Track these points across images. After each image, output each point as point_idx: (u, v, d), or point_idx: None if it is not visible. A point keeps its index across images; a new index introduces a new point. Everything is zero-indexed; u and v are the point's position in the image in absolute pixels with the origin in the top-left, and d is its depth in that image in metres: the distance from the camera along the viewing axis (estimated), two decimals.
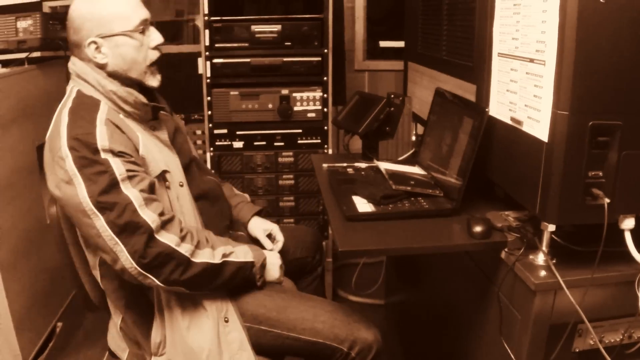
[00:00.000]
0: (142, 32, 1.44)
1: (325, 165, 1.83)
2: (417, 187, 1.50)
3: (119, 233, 1.28)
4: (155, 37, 1.47)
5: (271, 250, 1.71)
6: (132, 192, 1.30)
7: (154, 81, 1.50)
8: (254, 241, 1.74)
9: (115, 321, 1.58)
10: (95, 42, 1.39)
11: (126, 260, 1.29)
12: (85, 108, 1.38)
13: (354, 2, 2.81)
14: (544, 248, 1.24)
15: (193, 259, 1.35)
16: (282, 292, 1.54)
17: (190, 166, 1.60)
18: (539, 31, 1.16)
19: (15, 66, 2.27)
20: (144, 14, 1.45)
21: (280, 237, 1.77)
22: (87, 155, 1.29)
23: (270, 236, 1.79)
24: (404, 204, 1.45)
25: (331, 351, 1.45)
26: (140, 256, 1.29)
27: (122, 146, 1.33)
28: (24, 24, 2.26)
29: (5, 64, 2.29)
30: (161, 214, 1.33)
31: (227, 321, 1.42)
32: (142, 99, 1.44)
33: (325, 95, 2.33)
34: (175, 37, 3.06)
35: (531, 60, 1.20)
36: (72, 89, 1.46)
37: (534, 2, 1.18)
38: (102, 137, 1.31)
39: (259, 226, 1.79)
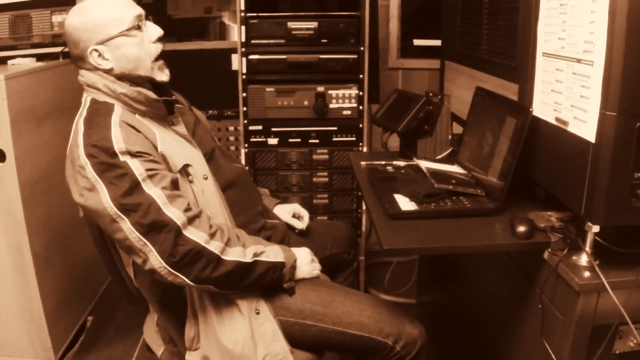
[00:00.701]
0: (139, 28, 1.46)
1: (363, 163, 1.88)
2: (458, 186, 1.53)
3: (145, 233, 1.30)
4: (153, 30, 1.49)
5: (301, 229, 1.79)
6: (154, 191, 1.32)
7: (163, 76, 1.52)
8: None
9: (153, 317, 1.63)
10: (96, 50, 1.42)
11: (155, 260, 1.31)
12: (99, 114, 1.41)
13: (389, 0, 2.85)
14: (587, 249, 1.27)
15: (223, 257, 1.37)
16: (327, 287, 1.58)
17: (213, 156, 1.61)
18: (586, 31, 1.19)
19: (50, 60, 2.36)
20: (136, 10, 1.47)
21: (304, 213, 1.83)
22: (105, 160, 1.31)
23: (295, 216, 1.84)
24: (446, 202, 1.48)
25: (376, 345, 1.48)
26: (169, 254, 1.31)
27: (139, 146, 1.36)
28: (59, 17, 2.35)
29: (40, 57, 2.38)
30: (187, 210, 1.35)
31: (258, 313, 1.45)
32: (152, 95, 1.46)
33: (360, 93, 2.36)
34: (201, 33, 3.13)
35: (578, 61, 1.23)
36: (86, 98, 1.49)
37: (581, 3, 1.20)
38: (118, 140, 1.33)
39: (283, 210, 1.84)
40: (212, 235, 1.37)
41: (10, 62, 2.34)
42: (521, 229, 1.34)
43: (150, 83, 1.51)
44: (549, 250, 1.32)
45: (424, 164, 1.71)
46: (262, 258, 1.44)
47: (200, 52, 2.86)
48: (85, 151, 1.34)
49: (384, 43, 2.88)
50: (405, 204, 1.48)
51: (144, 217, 1.30)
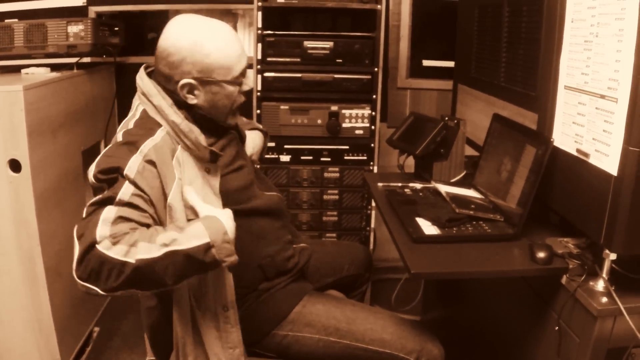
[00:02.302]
0: (239, 84, 1.48)
1: (380, 184, 1.96)
2: (479, 212, 1.63)
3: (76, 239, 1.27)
4: (248, 83, 1.51)
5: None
6: (111, 212, 1.28)
7: (232, 120, 1.56)
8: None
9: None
10: (190, 85, 1.43)
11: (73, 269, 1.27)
12: (139, 133, 1.40)
13: (400, 21, 2.95)
14: (604, 275, 1.36)
15: (127, 259, 1.24)
16: (350, 304, 1.66)
17: (251, 188, 1.62)
18: (612, 69, 1.29)
19: (65, 71, 2.43)
20: (244, 62, 1.48)
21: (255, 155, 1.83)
22: (106, 178, 1.33)
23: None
24: (467, 227, 1.57)
25: None
26: (77, 263, 1.26)
27: (146, 185, 1.33)
28: (74, 28, 2.41)
29: (54, 67, 2.45)
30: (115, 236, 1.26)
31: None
32: (202, 141, 1.43)
33: (373, 113, 2.46)
34: None
35: (602, 97, 1.33)
36: (138, 106, 1.48)
37: (607, 41, 1.31)
38: (132, 169, 1.32)
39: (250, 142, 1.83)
40: (115, 242, 1.25)
41: (24, 70, 2.40)
42: (541, 255, 1.43)
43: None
44: (567, 275, 1.41)
45: (443, 188, 1.80)
46: (174, 247, 1.27)
47: None
48: (95, 169, 1.35)
49: (394, 63, 2.98)
50: (428, 228, 1.56)
51: (84, 225, 1.28)
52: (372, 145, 2.49)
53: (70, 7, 2.76)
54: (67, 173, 2.35)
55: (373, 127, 2.48)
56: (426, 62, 3.07)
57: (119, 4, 2.83)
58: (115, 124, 3.03)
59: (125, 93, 3.03)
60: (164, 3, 2.86)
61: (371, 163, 2.51)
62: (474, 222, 1.60)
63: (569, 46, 1.49)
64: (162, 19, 3.05)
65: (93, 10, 2.80)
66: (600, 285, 1.35)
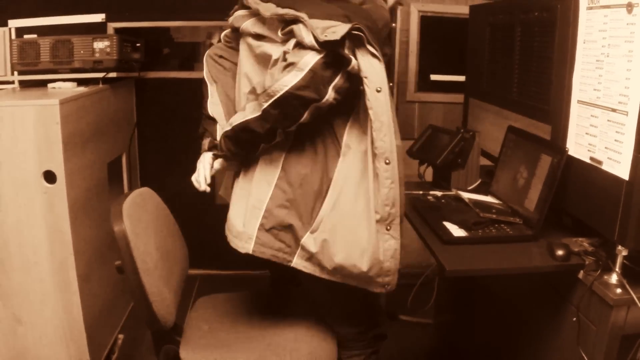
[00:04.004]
0: None
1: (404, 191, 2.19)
2: (500, 215, 1.86)
3: None
4: None
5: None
6: None
7: None
8: None
9: None
10: None
11: None
12: None
13: (408, 37, 3.20)
14: (617, 269, 1.60)
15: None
16: None
17: None
18: (622, 86, 1.53)
19: (91, 85, 2.62)
20: None
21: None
22: None
23: None
24: (490, 230, 1.80)
25: None
26: None
27: None
28: (100, 44, 2.61)
29: (80, 82, 2.64)
30: None
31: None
32: None
33: None
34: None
35: (613, 110, 1.57)
36: None
37: (617, 61, 1.55)
38: None
39: None
40: None
41: (50, 85, 2.60)
42: (559, 252, 1.66)
43: None
44: (584, 271, 1.64)
45: (464, 195, 2.04)
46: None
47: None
48: None
49: (403, 77, 3.22)
50: (456, 230, 1.79)
51: None
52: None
53: (89, 24, 2.96)
54: (94, 185, 2.54)
55: None
56: (434, 77, 3.33)
57: (136, 20, 3.04)
58: (136, 138, 3.25)
59: (144, 107, 3.26)
60: (180, 20, 3.07)
61: None
62: (497, 225, 1.83)
63: (581, 64, 1.73)
64: (177, 34, 3.26)
65: (112, 26, 3.01)
66: (614, 278, 1.58)
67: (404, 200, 1.67)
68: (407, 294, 3.08)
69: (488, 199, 2.06)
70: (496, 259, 1.69)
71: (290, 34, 1.59)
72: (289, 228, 1.67)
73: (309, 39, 1.53)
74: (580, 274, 1.65)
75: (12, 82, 2.94)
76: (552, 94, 1.89)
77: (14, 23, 2.97)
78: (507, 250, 1.73)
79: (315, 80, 1.53)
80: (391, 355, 2.77)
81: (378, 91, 1.54)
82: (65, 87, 2.56)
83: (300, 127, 1.64)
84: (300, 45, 1.56)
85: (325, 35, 1.50)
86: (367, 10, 1.63)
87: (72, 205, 2.31)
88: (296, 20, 1.57)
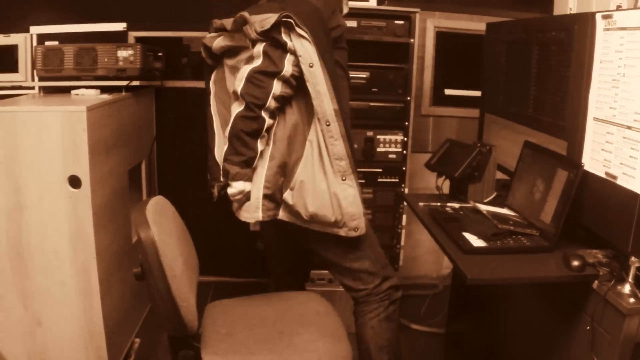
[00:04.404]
0: None
1: (421, 203, 2.34)
2: (517, 227, 1.99)
3: None
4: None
5: None
6: None
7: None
8: None
9: None
10: None
11: None
12: None
13: (424, 52, 3.36)
14: (630, 279, 1.73)
15: None
16: None
17: None
18: (638, 105, 1.67)
19: (113, 93, 2.76)
20: None
21: None
22: None
23: None
24: (508, 241, 1.94)
25: None
26: None
27: None
28: (124, 53, 2.75)
29: (103, 90, 2.78)
30: None
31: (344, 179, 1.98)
32: None
33: (405, 139, 2.85)
34: None
35: (629, 127, 1.71)
36: None
37: (633, 80, 1.69)
38: None
39: None
40: None
41: (73, 92, 2.74)
42: (575, 263, 1.79)
43: None
44: (598, 281, 1.77)
45: (482, 207, 2.17)
46: None
47: None
48: None
49: (418, 91, 3.38)
50: (475, 241, 1.92)
51: None
52: (404, 168, 2.87)
53: (110, 32, 3.11)
54: (116, 191, 2.67)
55: (405, 151, 2.86)
56: (448, 91, 3.48)
57: (157, 30, 3.19)
58: (154, 146, 3.40)
59: (163, 115, 3.40)
60: (199, 30, 3.21)
61: (402, 185, 2.89)
62: (514, 236, 1.97)
63: (597, 83, 1.88)
64: (194, 44, 3.41)
65: (132, 35, 3.15)
66: (627, 288, 1.72)
67: (349, 153, 2.00)
68: (420, 304, 3.23)
69: (505, 211, 2.19)
70: (514, 268, 1.82)
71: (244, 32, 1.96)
72: (279, 190, 2.04)
73: (253, 34, 1.89)
74: (595, 284, 1.78)
75: (32, 88, 3.09)
76: (569, 111, 2.03)
77: (35, 30, 3.12)
78: (524, 261, 1.87)
79: (270, 58, 1.89)
80: None
81: (311, 66, 1.89)
82: (89, 94, 2.69)
83: (284, 102, 2.00)
84: (253, 43, 1.94)
85: (262, 27, 1.86)
86: (309, 2, 1.98)
87: (96, 211, 2.43)
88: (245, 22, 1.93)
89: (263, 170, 2.02)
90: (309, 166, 2.00)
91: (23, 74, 3.12)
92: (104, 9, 3.17)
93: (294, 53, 1.88)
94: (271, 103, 1.93)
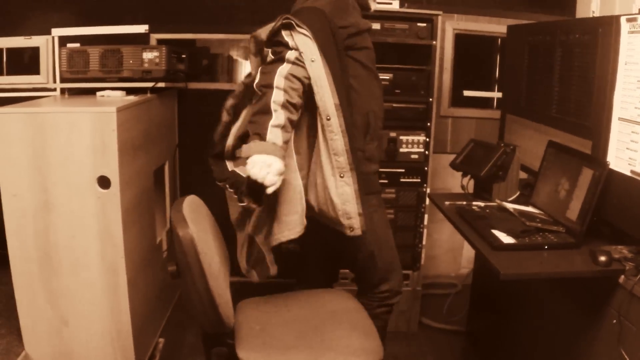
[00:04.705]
0: None
1: (447, 202, 2.45)
2: (544, 224, 2.10)
3: None
4: None
5: None
6: None
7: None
8: None
9: None
10: None
11: None
12: None
13: (443, 54, 3.49)
14: None
15: None
16: None
17: None
18: None
19: (139, 95, 2.87)
20: None
21: None
22: None
23: None
24: (536, 237, 2.05)
25: None
26: None
27: None
28: (149, 55, 2.86)
29: (128, 92, 2.89)
30: None
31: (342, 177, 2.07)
32: None
33: (427, 140, 2.96)
34: None
35: None
36: None
37: None
38: None
39: None
40: None
41: (99, 93, 2.85)
42: (602, 258, 1.90)
43: None
44: (624, 275, 1.88)
45: (509, 206, 2.28)
46: None
47: None
48: None
49: (438, 93, 3.49)
50: (504, 238, 2.03)
51: None
52: (426, 168, 2.99)
53: (132, 34, 3.22)
54: (143, 191, 2.78)
55: (427, 152, 2.97)
56: (467, 93, 3.60)
57: (179, 32, 3.30)
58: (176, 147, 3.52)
59: (185, 117, 3.52)
60: (220, 33, 3.34)
61: (424, 185, 3.00)
62: (541, 233, 2.07)
63: (622, 84, 1.99)
64: (214, 46, 3.52)
65: (154, 37, 3.27)
66: None
67: (348, 149, 2.07)
68: (438, 302, 3.36)
69: (530, 209, 2.30)
70: (543, 264, 1.93)
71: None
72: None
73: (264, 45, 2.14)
74: (621, 279, 1.88)
75: (54, 90, 3.20)
76: (593, 111, 2.14)
77: (57, 32, 3.23)
78: (552, 257, 1.97)
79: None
80: None
81: (312, 61, 2.00)
82: (114, 96, 2.80)
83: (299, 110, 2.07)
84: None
85: (267, 34, 2.07)
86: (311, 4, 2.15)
87: (124, 210, 2.54)
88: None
89: (297, 182, 2.11)
90: (314, 162, 2.14)
91: (45, 76, 3.23)
92: (125, 11, 3.28)
93: (297, 49, 2.00)
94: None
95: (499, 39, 3.62)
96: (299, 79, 1.99)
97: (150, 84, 2.88)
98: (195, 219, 1.88)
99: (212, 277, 1.82)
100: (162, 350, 2.93)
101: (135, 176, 2.70)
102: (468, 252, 3.80)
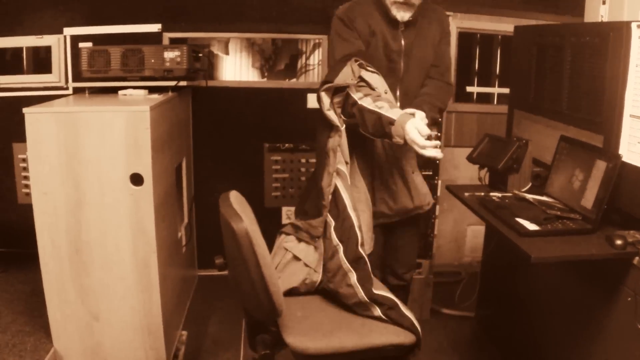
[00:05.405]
0: None
1: (467, 193, 2.77)
2: (563, 212, 2.43)
3: None
4: None
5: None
6: None
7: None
8: None
9: None
10: None
11: None
12: None
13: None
14: None
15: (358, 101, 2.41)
16: None
17: None
18: None
19: (161, 93, 3.10)
20: None
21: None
22: None
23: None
24: (557, 224, 2.37)
25: None
26: None
27: None
28: (171, 54, 3.08)
29: (150, 90, 3.12)
30: None
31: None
32: None
33: (439, 134, 3.26)
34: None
35: None
36: None
37: None
38: None
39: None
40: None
41: (121, 92, 3.07)
42: (619, 242, 2.23)
43: None
44: (638, 257, 2.21)
45: (528, 196, 2.61)
46: (378, 110, 2.35)
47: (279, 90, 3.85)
48: None
49: None
50: (529, 225, 2.35)
51: None
52: (438, 162, 3.30)
53: (145, 33, 3.44)
54: (168, 188, 3.01)
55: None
56: (469, 89, 3.94)
57: (191, 31, 3.54)
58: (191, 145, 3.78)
59: (199, 115, 3.77)
60: (231, 32, 3.58)
61: (436, 177, 3.32)
62: (560, 220, 2.40)
63: (633, 84, 2.32)
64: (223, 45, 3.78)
65: (167, 36, 3.49)
66: None
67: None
68: (444, 290, 3.76)
69: (545, 198, 2.63)
70: (567, 248, 2.25)
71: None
72: None
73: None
74: (636, 260, 2.21)
75: (66, 89, 3.40)
76: (605, 108, 2.47)
77: (69, 31, 3.42)
78: (572, 242, 2.29)
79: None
80: (435, 345, 3.39)
81: (385, 92, 2.49)
82: (137, 95, 3.02)
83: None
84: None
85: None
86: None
87: (156, 207, 2.77)
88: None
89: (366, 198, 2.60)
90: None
91: (57, 75, 3.42)
92: (136, 9, 3.50)
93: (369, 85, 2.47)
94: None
95: (499, 37, 3.97)
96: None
97: (172, 83, 3.11)
98: (244, 212, 2.09)
99: (265, 267, 2.02)
100: (186, 342, 3.18)
101: (164, 173, 2.94)
102: (471, 242, 4.17)
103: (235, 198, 2.24)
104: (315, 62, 4.18)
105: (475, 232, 4.27)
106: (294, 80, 4.14)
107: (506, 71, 4.02)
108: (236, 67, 4.09)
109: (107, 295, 2.83)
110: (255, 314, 2.24)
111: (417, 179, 2.76)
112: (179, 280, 3.25)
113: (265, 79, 4.19)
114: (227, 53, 4.07)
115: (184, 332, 3.25)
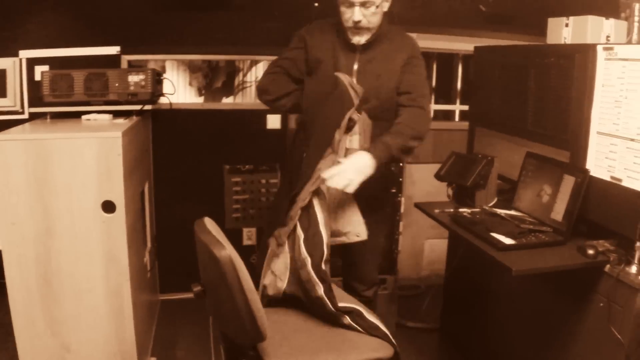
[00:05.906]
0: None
1: (437, 210, 2.93)
2: (535, 226, 2.62)
3: None
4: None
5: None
6: None
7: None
8: None
9: None
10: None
11: None
12: None
13: None
14: (636, 262, 2.38)
15: None
16: None
17: None
18: (639, 121, 2.34)
19: (125, 118, 3.14)
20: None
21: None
22: None
23: None
24: (530, 237, 2.55)
25: None
26: None
27: None
28: (135, 78, 3.14)
29: (114, 115, 3.16)
30: None
31: None
32: None
33: None
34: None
35: (632, 140, 2.37)
36: None
37: (635, 101, 2.33)
38: None
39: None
40: None
41: (84, 117, 3.08)
42: (590, 252, 2.42)
43: None
44: (609, 265, 2.41)
45: (499, 211, 2.79)
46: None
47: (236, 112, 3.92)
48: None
49: None
50: (504, 239, 2.52)
51: None
52: (401, 179, 3.46)
53: (103, 56, 3.47)
54: (136, 213, 3.05)
55: (401, 164, 3.44)
56: (434, 107, 4.14)
57: (148, 53, 3.59)
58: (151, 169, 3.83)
59: (158, 138, 3.81)
60: (190, 54, 3.65)
61: (400, 195, 3.48)
62: (533, 234, 2.58)
63: (600, 103, 2.52)
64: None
65: (126, 58, 3.53)
66: (634, 269, 2.35)
67: None
68: (407, 303, 4.03)
69: (515, 213, 2.82)
70: (543, 260, 2.43)
71: None
72: None
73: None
74: (607, 268, 2.40)
75: (22, 113, 3.39)
76: (571, 126, 2.67)
77: (25, 54, 3.42)
78: (546, 253, 2.48)
79: None
80: (403, 358, 3.47)
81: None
82: (102, 119, 3.05)
83: None
84: None
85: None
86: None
87: (129, 234, 2.81)
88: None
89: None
90: None
91: (12, 99, 3.40)
92: (96, 32, 3.53)
93: None
94: None
95: (460, 55, 4.18)
96: None
97: (136, 107, 3.16)
98: (222, 239, 2.13)
99: (249, 292, 2.07)
100: None
101: (133, 199, 2.98)
102: (428, 256, 4.37)
103: (211, 225, 2.27)
104: (252, 79, 4.30)
105: (432, 246, 4.48)
106: (257, 101, 4.17)
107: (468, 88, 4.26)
108: (174, 87, 4.14)
109: (78, 326, 2.84)
110: (238, 339, 2.28)
111: (349, 210, 2.82)
112: (147, 306, 3.28)
113: (202, 97, 4.28)
114: (164, 72, 4.15)
115: (153, 359, 3.28)
